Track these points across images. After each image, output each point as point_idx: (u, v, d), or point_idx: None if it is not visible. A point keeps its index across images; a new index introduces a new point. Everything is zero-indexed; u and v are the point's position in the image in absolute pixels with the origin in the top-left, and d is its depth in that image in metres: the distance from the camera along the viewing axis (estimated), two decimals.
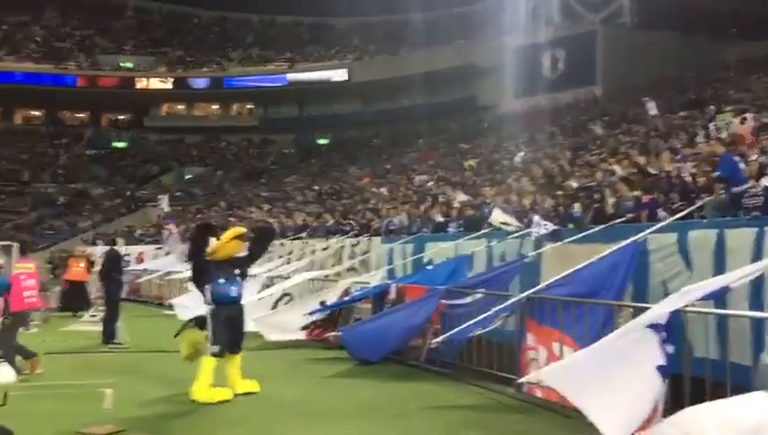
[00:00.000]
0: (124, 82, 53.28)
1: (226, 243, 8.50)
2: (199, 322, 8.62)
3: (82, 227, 42.34)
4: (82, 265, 19.23)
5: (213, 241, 8.43)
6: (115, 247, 15.56)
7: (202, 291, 8.49)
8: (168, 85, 53.56)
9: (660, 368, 5.39)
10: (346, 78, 50.09)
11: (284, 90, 52.47)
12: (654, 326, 5.40)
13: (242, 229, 9.13)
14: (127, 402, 7.86)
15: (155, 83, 53.38)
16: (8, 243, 14.84)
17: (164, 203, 29.92)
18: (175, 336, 8.81)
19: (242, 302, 8.63)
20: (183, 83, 53.72)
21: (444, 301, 9.92)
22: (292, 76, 52.06)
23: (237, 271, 8.53)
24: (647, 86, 31.62)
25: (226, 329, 8.26)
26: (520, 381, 7.13)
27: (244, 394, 8.20)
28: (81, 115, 57.62)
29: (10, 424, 5.48)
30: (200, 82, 53.79)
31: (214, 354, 8.13)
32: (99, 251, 25.08)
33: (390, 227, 16.18)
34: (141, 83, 53.30)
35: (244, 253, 8.90)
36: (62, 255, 25.59)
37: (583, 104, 34.62)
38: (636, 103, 26.07)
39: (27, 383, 8.41)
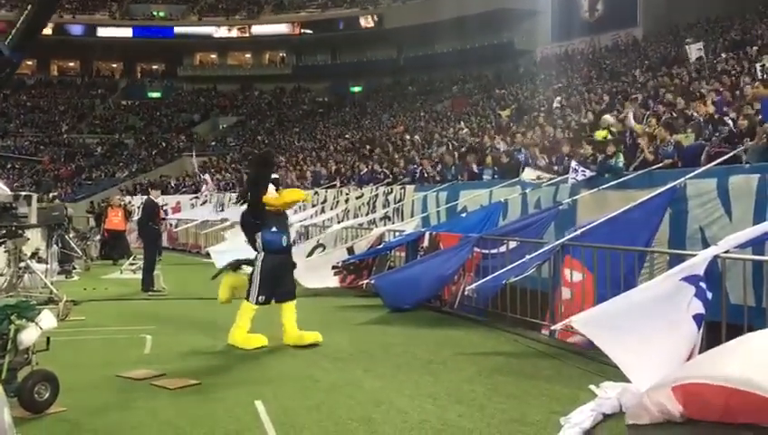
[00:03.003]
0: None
1: (288, 197, 8.42)
2: (235, 265, 8.66)
3: (120, 178, 43.04)
4: (120, 214, 19.53)
5: (272, 189, 8.21)
6: (151, 197, 15.74)
7: (251, 238, 8.30)
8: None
9: (697, 316, 5.31)
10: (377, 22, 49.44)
11: (317, 37, 51.94)
12: (690, 278, 5.30)
13: (308, 198, 9.12)
14: (165, 348, 8.03)
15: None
16: (29, 193, 14.82)
17: (194, 160, 30.59)
18: (212, 279, 8.97)
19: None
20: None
21: (477, 249, 9.88)
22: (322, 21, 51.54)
23: (288, 222, 8.59)
24: (689, 27, 30.65)
25: (273, 278, 8.20)
26: (553, 327, 7.10)
27: (277, 341, 8.21)
28: (115, 65, 57.96)
29: (52, 368, 5.64)
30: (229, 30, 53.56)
31: (258, 303, 8.11)
32: (137, 201, 25.56)
33: (424, 175, 16.08)
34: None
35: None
36: (101, 204, 26.05)
37: (623, 47, 33.70)
38: (678, 45, 25.26)
39: (69, 329, 8.61)
